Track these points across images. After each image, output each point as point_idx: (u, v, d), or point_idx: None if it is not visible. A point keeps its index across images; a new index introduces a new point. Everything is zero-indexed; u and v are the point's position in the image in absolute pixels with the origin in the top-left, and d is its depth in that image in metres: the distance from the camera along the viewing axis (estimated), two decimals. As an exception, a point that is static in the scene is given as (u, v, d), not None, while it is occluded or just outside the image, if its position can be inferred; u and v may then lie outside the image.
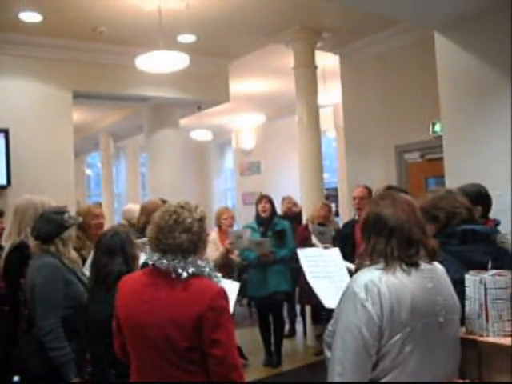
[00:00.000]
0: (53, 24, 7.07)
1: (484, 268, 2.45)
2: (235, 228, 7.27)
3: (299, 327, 8.14)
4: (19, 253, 3.79)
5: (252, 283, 6.63)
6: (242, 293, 7.56)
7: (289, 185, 13.01)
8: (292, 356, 7.06)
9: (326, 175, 13.67)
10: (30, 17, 6.81)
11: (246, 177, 15.96)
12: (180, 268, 2.30)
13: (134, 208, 6.09)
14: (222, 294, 2.32)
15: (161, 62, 6.35)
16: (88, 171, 18.91)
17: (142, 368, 2.38)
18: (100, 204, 14.27)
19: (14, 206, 4.07)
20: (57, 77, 7.88)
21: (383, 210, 2.25)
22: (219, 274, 2.44)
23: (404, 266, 2.15)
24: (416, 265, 2.17)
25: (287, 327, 7.77)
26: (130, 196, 16.01)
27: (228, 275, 6.70)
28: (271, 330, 6.75)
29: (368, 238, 2.26)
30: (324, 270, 3.18)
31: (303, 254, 3.36)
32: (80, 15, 6.84)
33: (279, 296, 6.56)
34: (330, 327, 2.28)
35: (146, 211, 4.92)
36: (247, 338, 7.55)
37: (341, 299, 2.20)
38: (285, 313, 7.27)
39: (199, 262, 2.35)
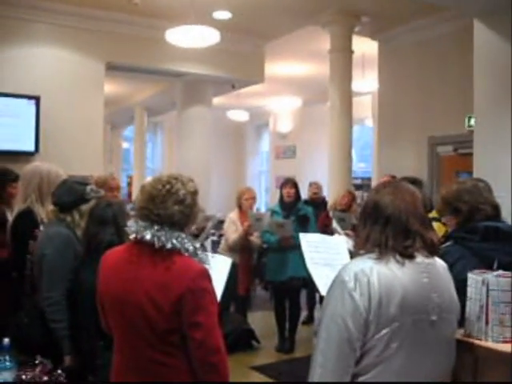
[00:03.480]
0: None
1: (505, 268, 2.30)
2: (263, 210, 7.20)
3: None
4: (26, 218, 3.78)
5: (270, 267, 6.56)
6: (260, 276, 7.59)
7: (321, 170, 12.88)
8: (306, 343, 6.95)
9: (363, 165, 13.53)
10: (68, -14, 6.82)
11: (280, 160, 15.89)
12: (164, 237, 2.21)
13: None
14: (203, 275, 2.23)
15: (191, 37, 6.28)
16: (125, 144, 18.95)
17: (122, 345, 2.34)
18: (131, 177, 14.39)
19: (21, 173, 4.06)
20: (90, 47, 7.91)
21: (382, 197, 2.14)
22: (207, 253, 2.36)
23: (398, 257, 2.03)
24: (411, 257, 2.05)
25: (305, 314, 7.68)
26: (164, 172, 16.03)
27: (248, 257, 6.68)
28: (286, 315, 6.67)
29: (364, 225, 2.16)
30: (325, 256, 3.08)
31: (305, 239, 3.26)
32: (116, -14, 6.82)
33: (297, 281, 6.46)
34: (318, 315, 2.18)
35: None
36: (263, 321, 7.51)
37: (330, 287, 2.10)
38: (303, 299, 7.18)
39: (184, 239, 2.26)
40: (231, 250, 6.44)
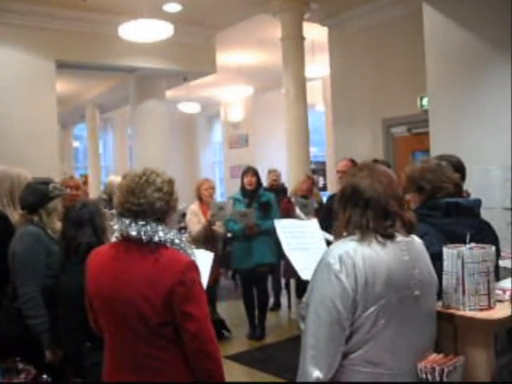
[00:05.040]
0: (36, -9, 6.94)
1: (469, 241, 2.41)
2: (221, 200, 7.21)
3: (284, 300, 8.14)
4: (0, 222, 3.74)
5: (236, 255, 6.62)
6: (226, 265, 7.64)
7: (276, 158, 12.98)
8: (276, 329, 7.07)
9: (314, 149, 13.65)
10: (13, -17, 6.67)
11: (234, 150, 15.88)
12: (150, 231, 2.25)
13: (115, 180, 5.86)
14: (192, 267, 2.28)
15: (144, 31, 6.25)
16: (76, 143, 18.70)
17: (114, 343, 2.35)
18: (86, 176, 14.20)
19: None
20: (39, 45, 7.75)
21: (360, 181, 2.21)
22: (192, 246, 2.40)
23: (380, 238, 2.11)
24: (392, 237, 2.13)
25: (272, 300, 7.78)
26: (117, 169, 15.89)
27: (212, 247, 6.70)
28: (255, 302, 6.74)
29: (344, 209, 2.22)
30: (301, 241, 3.14)
31: (280, 225, 3.32)
32: (63, -18, 6.71)
33: (264, 268, 6.55)
34: (304, 299, 2.26)
35: None
36: (232, 310, 7.57)
37: (315, 271, 2.16)
38: (269, 286, 7.27)
39: (170, 231, 2.31)
40: (195, 241, 6.39)
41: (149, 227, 2.27)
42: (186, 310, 2.21)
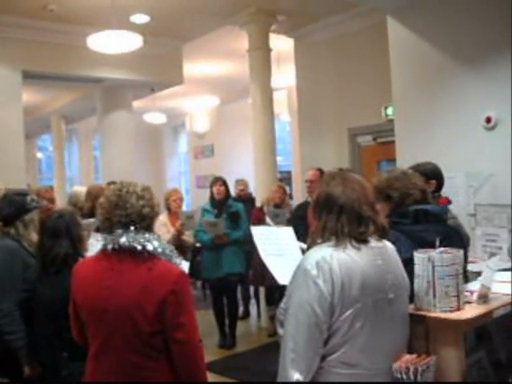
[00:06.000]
0: (0, 0, 6.86)
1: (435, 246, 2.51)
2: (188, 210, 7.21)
3: (253, 309, 8.20)
4: None
5: (206, 265, 6.66)
6: (196, 275, 7.66)
7: (242, 168, 13.02)
8: (246, 337, 7.12)
9: (279, 158, 13.71)
10: (-24, -7, 6.60)
11: (199, 160, 15.90)
12: (143, 240, 2.30)
13: (80, 191, 5.84)
14: (184, 277, 2.35)
15: (113, 42, 6.24)
16: (39, 154, 18.53)
17: (100, 353, 2.36)
18: (51, 187, 14.02)
19: None
20: (5, 55, 7.64)
21: (334, 188, 2.29)
22: (180, 257, 2.47)
23: (354, 243, 2.19)
24: (366, 242, 2.22)
25: (241, 309, 7.82)
26: (82, 180, 15.76)
27: (181, 257, 6.71)
28: (225, 311, 6.78)
29: (319, 216, 2.30)
30: (277, 247, 3.20)
31: (256, 231, 3.38)
32: (29, -8, 6.66)
33: (233, 277, 6.60)
34: (282, 305, 2.32)
35: (90, 196, 4.84)
36: (201, 320, 7.48)
37: (293, 277, 2.23)
38: (239, 295, 7.31)
39: (162, 241, 2.38)
40: (164, 251, 6.44)
41: (141, 235, 2.32)
42: (178, 319, 2.27)
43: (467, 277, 2.84)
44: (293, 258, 2.96)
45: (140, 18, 7.66)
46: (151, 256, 2.31)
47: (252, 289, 8.14)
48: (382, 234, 2.30)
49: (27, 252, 3.39)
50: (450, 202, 3.77)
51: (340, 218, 2.23)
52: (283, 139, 13.39)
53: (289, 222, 5.85)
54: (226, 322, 6.79)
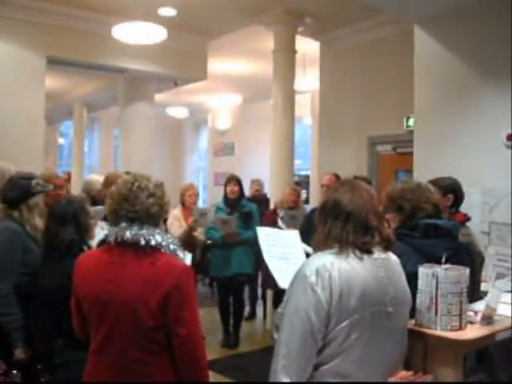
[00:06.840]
0: (30, -15, 6.92)
1: (445, 262, 2.45)
2: (203, 206, 7.20)
3: (259, 310, 8.16)
4: None
5: (215, 263, 6.63)
6: (204, 272, 7.63)
7: (262, 168, 12.97)
8: (250, 338, 7.08)
9: (298, 162, 13.70)
10: (7, -23, 6.65)
11: (219, 157, 15.91)
12: (147, 235, 2.29)
13: (96, 180, 5.74)
14: (188, 272, 2.32)
15: (138, 33, 6.26)
16: (61, 140, 18.61)
17: (102, 347, 2.33)
18: (69, 174, 14.12)
19: None
20: (31, 40, 7.69)
21: (342, 195, 2.25)
22: (186, 252, 2.44)
23: (357, 252, 2.15)
24: (369, 252, 2.17)
25: (247, 310, 7.79)
26: (101, 168, 15.81)
27: (190, 253, 6.69)
28: (231, 311, 6.75)
29: (324, 222, 2.26)
30: (281, 250, 3.17)
31: (262, 232, 3.34)
32: (59, -22, 6.70)
33: (241, 278, 6.56)
34: (279, 310, 2.28)
35: (106, 182, 4.82)
36: (207, 317, 7.54)
37: (292, 282, 2.19)
38: (246, 295, 7.28)
39: (166, 236, 2.36)
40: (176, 246, 6.42)
41: (145, 230, 2.30)
42: (181, 314, 2.24)
43: (481, 297, 2.78)
44: (296, 262, 2.91)
45: (167, 11, 7.66)
46: (154, 250, 2.29)
47: (260, 290, 8.10)
48: (387, 246, 2.25)
49: (29, 236, 3.40)
50: (468, 219, 3.70)
51: (346, 226, 2.19)
52: (304, 143, 13.34)
53: (301, 225, 5.81)
54: (231, 321, 6.75)
